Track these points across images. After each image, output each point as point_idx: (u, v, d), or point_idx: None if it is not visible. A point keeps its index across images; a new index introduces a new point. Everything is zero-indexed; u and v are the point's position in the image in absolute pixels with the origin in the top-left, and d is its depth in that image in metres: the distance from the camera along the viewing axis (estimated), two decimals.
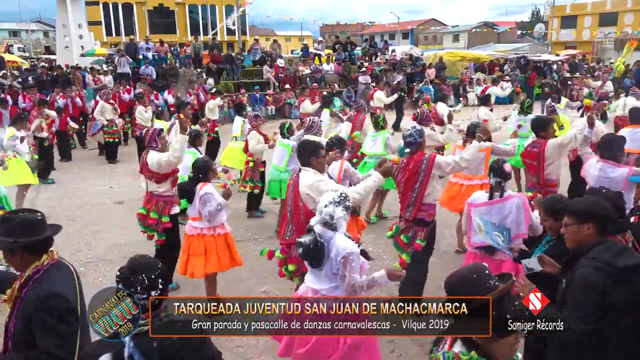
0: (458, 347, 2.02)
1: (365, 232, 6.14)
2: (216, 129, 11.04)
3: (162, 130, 5.88)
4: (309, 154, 4.13)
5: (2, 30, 56.02)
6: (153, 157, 5.38)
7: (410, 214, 4.66)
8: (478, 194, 4.41)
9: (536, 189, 5.29)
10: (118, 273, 2.16)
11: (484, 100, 10.33)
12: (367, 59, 23.52)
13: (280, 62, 20.27)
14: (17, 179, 7.72)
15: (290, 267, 4.14)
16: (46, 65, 19.26)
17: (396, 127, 14.92)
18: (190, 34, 36.85)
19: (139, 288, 2.08)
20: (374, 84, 19.10)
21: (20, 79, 16.24)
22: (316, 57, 22.48)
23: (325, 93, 17.16)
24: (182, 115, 8.03)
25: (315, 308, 3.30)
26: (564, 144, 5.43)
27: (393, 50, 25.56)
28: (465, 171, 5.67)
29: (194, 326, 2.21)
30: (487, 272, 2.09)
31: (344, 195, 3.32)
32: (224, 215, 4.98)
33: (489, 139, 6.12)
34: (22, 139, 8.03)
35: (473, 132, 6.11)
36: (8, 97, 13.33)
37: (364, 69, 20.55)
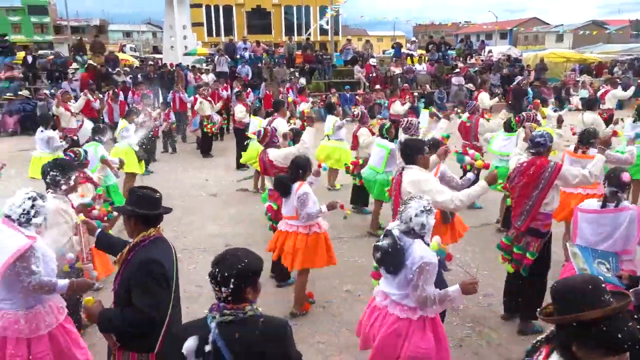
0: (555, 359, 1.91)
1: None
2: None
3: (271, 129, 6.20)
4: (414, 152, 4.09)
5: (117, 31, 61.22)
6: (278, 153, 5.74)
7: (523, 223, 4.39)
8: (590, 202, 4.10)
9: None
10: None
11: (590, 104, 9.58)
12: (461, 59, 22.80)
13: (372, 62, 20.23)
14: (127, 167, 8.37)
15: None
16: (152, 63, 20.70)
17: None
18: (285, 34, 37.86)
19: (213, 281, 2.18)
20: (467, 86, 18.49)
21: (130, 76, 17.61)
22: (408, 57, 22.16)
23: (416, 94, 16.90)
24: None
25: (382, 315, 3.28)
26: None
27: (489, 51, 24.54)
28: None
29: (278, 323, 2.28)
30: (603, 285, 1.93)
31: (431, 202, 3.25)
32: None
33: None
34: (141, 124, 8.72)
35: (588, 139, 5.71)
36: (120, 93, 14.52)
37: (457, 70, 19.94)
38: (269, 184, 6.13)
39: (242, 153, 9.58)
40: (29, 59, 18.39)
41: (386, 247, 3.10)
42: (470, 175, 4.99)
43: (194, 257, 6.48)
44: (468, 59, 22.74)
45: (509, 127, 7.44)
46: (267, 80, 16.96)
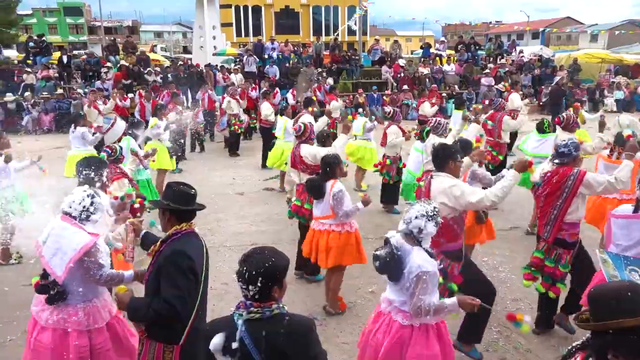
0: None
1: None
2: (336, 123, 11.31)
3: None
4: (446, 158, 4.00)
5: (149, 32, 62.41)
6: (309, 150, 5.79)
7: (550, 234, 4.30)
8: (624, 207, 3.94)
9: None
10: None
11: (627, 105, 9.30)
12: (491, 60, 22.43)
13: (400, 62, 20.10)
14: (159, 164, 8.54)
15: (453, 286, 3.95)
16: (182, 63, 21.04)
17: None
18: (313, 35, 37.94)
19: (240, 279, 2.20)
20: (497, 86, 18.17)
21: (161, 76, 17.94)
22: (437, 58, 21.93)
23: (444, 95, 16.72)
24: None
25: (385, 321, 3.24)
26: None
27: (520, 51, 24.08)
28: None
29: (303, 322, 2.28)
30: None
31: (437, 210, 3.18)
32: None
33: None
34: (166, 127, 8.88)
35: (623, 142, 5.54)
36: (151, 92, 14.79)
37: (487, 71, 19.64)
38: (295, 177, 6.13)
39: (269, 154, 9.66)
40: (64, 58, 18.93)
41: (384, 256, 3.08)
42: (505, 172, 4.92)
43: (221, 254, 6.55)
44: (498, 59, 22.36)
45: (541, 128, 7.30)
46: (296, 83, 17.01)
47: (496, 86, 18.37)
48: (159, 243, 2.94)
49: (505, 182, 3.80)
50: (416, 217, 3.11)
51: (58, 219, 3.17)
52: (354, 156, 9.04)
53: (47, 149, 12.83)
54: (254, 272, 2.15)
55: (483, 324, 4.21)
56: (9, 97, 16.49)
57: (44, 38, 20.57)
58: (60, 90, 17.17)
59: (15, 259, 6.34)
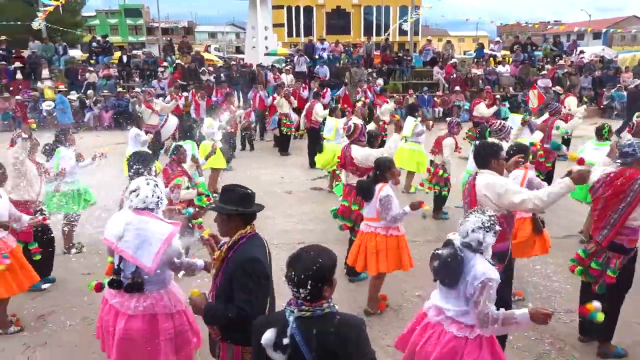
0: None
1: None
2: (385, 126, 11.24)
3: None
4: (488, 156, 3.93)
5: (203, 32, 64.13)
6: (360, 152, 5.79)
7: (605, 238, 4.07)
8: None
9: None
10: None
11: None
12: (549, 60, 21.62)
13: (452, 63, 19.73)
14: (213, 163, 8.74)
15: None
16: (235, 63, 21.49)
17: (619, 133, 13.09)
18: (364, 35, 37.82)
19: (290, 283, 2.20)
20: (554, 88, 17.49)
21: (214, 75, 18.40)
22: (491, 58, 21.37)
23: (498, 96, 16.26)
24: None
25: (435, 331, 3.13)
26: None
27: (581, 52, 23.07)
28: None
29: (353, 321, 2.26)
30: None
31: (493, 218, 3.05)
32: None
33: None
34: (220, 127, 9.12)
35: None
36: (206, 91, 15.20)
37: (544, 72, 18.92)
38: (343, 178, 6.16)
39: (318, 155, 9.70)
40: (124, 58, 19.78)
41: (445, 257, 2.96)
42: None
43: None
44: (557, 60, 21.52)
45: (600, 134, 6.95)
46: (347, 84, 17.01)
47: (553, 88, 17.69)
48: (225, 249, 2.90)
49: (554, 188, 3.56)
50: (473, 231, 2.97)
51: (131, 214, 3.28)
52: (406, 161, 8.85)
53: (107, 145, 13.44)
54: (302, 276, 2.14)
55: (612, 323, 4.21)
56: (73, 95, 17.37)
57: (107, 39, 21.54)
58: (120, 89, 17.93)
59: (77, 249, 6.68)
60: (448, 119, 8.64)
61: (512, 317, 2.87)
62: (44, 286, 5.60)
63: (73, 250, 6.65)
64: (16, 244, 4.76)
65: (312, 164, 11.02)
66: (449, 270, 2.96)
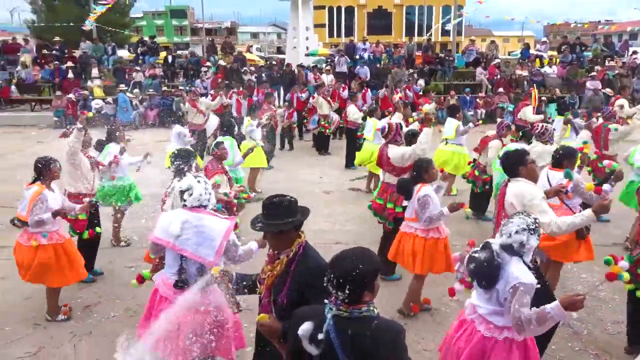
0: None
1: None
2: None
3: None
4: (514, 165, 3.92)
5: (245, 32, 65.14)
6: (396, 151, 5.78)
7: None
8: None
9: None
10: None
11: None
12: (599, 61, 20.81)
13: (496, 63, 19.28)
14: (252, 162, 8.84)
15: None
16: (275, 63, 21.69)
17: None
18: (405, 35, 37.47)
19: (329, 284, 2.16)
20: (604, 91, 16.83)
21: (255, 75, 18.65)
22: (537, 59, 20.75)
23: (544, 98, 15.77)
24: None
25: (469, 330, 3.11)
26: None
27: (634, 52, 22.10)
28: None
29: (391, 326, 2.22)
30: None
31: (538, 222, 3.02)
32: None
33: None
34: (258, 124, 9.24)
35: None
36: (247, 90, 15.41)
37: (593, 74, 18.22)
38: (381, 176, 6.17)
39: (357, 153, 9.68)
40: (169, 58, 20.33)
41: (482, 260, 2.94)
42: (607, 187, 4.59)
43: None
44: (607, 61, 20.68)
45: None
46: (388, 86, 16.91)
47: (603, 90, 17.02)
48: (285, 262, 2.75)
49: (576, 219, 3.60)
50: (517, 232, 2.94)
51: (186, 212, 3.38)
52: (448, 164, 8.67)
53: (151, 142, 13.84)
54: (341, 280, 2.09)
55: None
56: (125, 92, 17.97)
57: (155, 40, 22.17)
58: (164, 88, 18.43)
59: (124, 242, 6.92)
60: (499, 119, 8.43)
61: (545, 312, 2.78)
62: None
63: (122, 244, 6.89)
64: (69, 236, 5.00)
65: (348, 165, 11.00)
66: (485, 273, 2.96)
